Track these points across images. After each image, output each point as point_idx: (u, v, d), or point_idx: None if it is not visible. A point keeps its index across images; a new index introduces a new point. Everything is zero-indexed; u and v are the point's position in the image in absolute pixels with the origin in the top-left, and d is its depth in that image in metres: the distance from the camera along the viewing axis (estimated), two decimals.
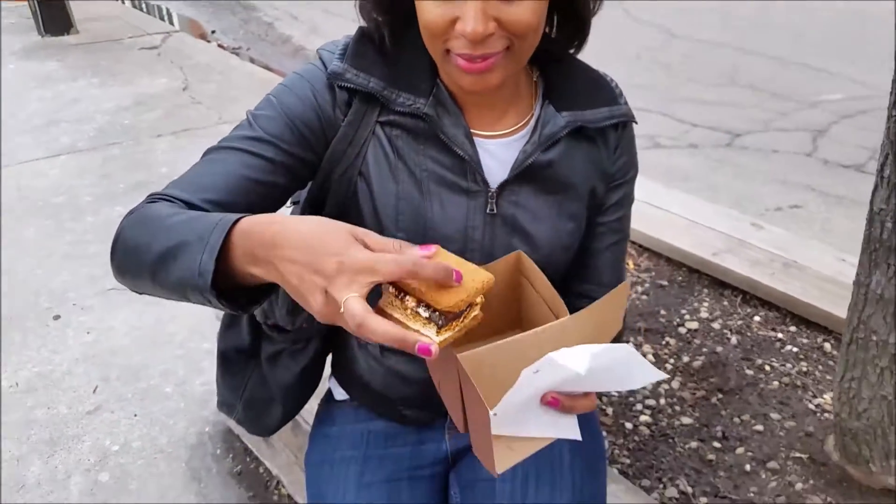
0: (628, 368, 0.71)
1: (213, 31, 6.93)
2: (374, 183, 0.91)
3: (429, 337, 0.64)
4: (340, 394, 1.17)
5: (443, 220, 0.91)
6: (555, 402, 0.73)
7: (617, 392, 1.93)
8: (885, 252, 1.37)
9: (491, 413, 0.67)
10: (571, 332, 0.72)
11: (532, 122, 0.94)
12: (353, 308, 0.61)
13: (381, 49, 0.90)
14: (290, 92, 0.90)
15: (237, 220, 0.71)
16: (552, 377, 0.69)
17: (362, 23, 0.91)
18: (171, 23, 7.33)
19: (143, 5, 8.18)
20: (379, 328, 0.61)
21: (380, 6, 0.88)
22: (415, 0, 0.81)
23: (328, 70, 0.88)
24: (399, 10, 0.87)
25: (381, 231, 0.89)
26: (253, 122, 0.88)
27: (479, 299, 0.68)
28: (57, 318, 2.53)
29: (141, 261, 0.78)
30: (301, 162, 0.89)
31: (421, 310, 0.65)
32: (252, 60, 5.88)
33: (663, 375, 0.75)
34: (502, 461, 0.73)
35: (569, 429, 0.76)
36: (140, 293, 0.85)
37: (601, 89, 0.97)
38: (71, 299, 2.63)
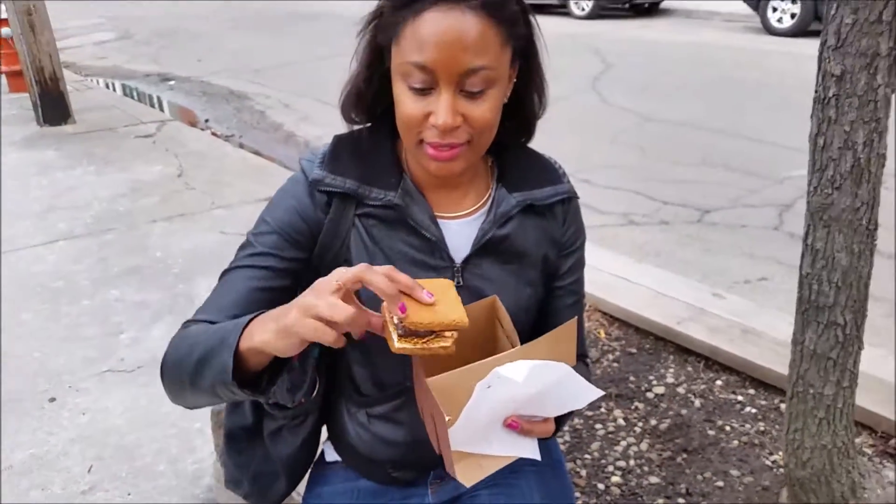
0: (568, 387, 0.84)
1: (206, 120, 7.14)
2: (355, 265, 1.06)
3: (390, 337, 0.80)
4: (332, 455, 1.26)
5: None
6: (514, 425, 0.87)
7: (568, 427, 2.02)
8: (814, 311, 1.52)
9: (446, 417, 0.79)
10: (523, 357, 0.83)
11: (488, 203, 1.08)
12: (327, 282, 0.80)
13: (353, 152, 1.06)
14: (278, 208, 1.06)
15: (251, 319, 0.88)
16: (501, 391, 0.80)
17: (342, 127, 1.08)
18: (163, 110, 7.60)
19: (135, 94, 8.45)
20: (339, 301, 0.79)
21: (359, 107, 1.05)
22: (394, 96, 0.96)
23: (310, 178, 1.04)
24: (374, 112, 1.05)
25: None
26: (253, 241, 1.05)
27: (449, 334, 0.80)
28: (52, 400, 2.59)
29: (182, 374, 0.95)
30: (298, 262, 1.05)
31: (394, 318, 0.81)
32: (241, 146, 6.08)
33: (600, 393, 0.87)
34: (472, 475, 0.86)
35: (529, 449, 0.89)
36: (191, 407, 1.04)
37: (546, 171, 1.12)
38: (67, 381, 2.69)
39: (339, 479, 1.23)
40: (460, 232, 1.07)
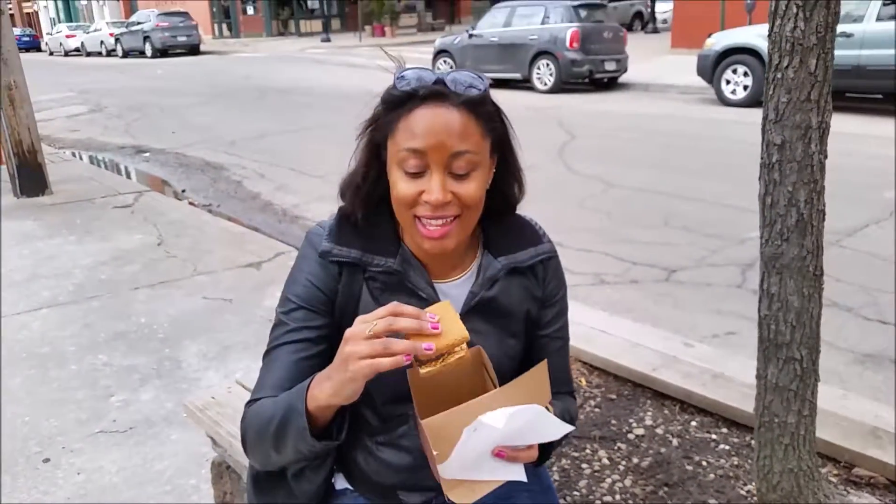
0: (542, 424, 0.98)
1: (183, 190, 7.25)
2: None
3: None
4: (342, 484, 1.36)
5: None
6: (501, 454, 1.01)
7: (556, 468, 2.14)
8: (773, 349, 1.70)
9: (434, 453, 0.95)
10: (503, 398, 0.97)
11: (475, 267, 1.25)
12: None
13: (356, 225, 1.22)
14: (297, 284, 1.21)
15: (308, 384, 1.05)
16: (484, 433, 0.95)
17: (340, 203, 1.25)
18: (130, 178, 7.68)
19: (107, 165, 8.53)
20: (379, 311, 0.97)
21: (358, 199, 1.21)
22: (391, 182, 1.12)
23: (319, 251, 1.20)
24: (370, 200, 1.21)
25: None
26: (285, 320, 1.20)
27: (460, 348, 0.96)
28: (46, 461, 2.61)
29: (266, 446, 1.11)
30: (327, 327, 1.20)
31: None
32: (211, 211, 6.18)
33: (570, 427, 1.02)
34: (466, 497, 1.01)
35: (516, 473, 1.03)
36: (280, 467, 1.21)
37: (526, 233, 1.28)
38: (60, 443, 2.72)
39: None
40: (452, 293, 1.23)
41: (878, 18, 9.03)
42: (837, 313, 3.67)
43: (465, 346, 0.97)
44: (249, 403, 1.17)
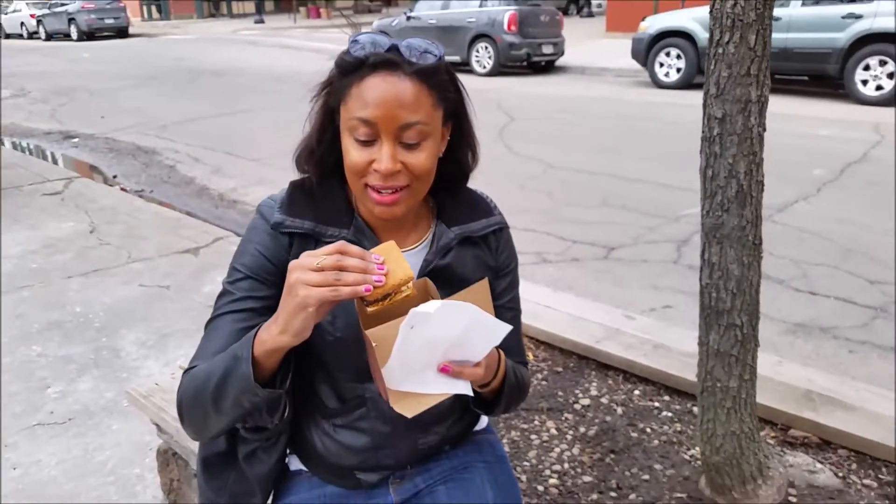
0: (481, 326, 0.99)
1: (114, 176, 7.03)
2: None
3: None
4: (296, 465, 1.36)
5: None
6: (446, 368, 1.02)
7: (506, 440, 2.19)
8: (715, 316, 1.76)
9: (373, 344, 0.95)
10: None
11: (430, 237, 1.25)
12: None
13: (309, 196, 1.21)
14: (245, 254, 1.19)
15: (254, 333, 1.02)
16: (422, 330, 0.95)
17: (294, 177, 1.24)
18: (63, 166, 7.42)
19: (33, 151, 8.21)
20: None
21: (311, 162, 1.21)
22: (343, 148, 1.11)
23: (272, 222, 1.18)
24: (324, 165, 1.20)
25: (320, 331, 1.17)
26: (230, 289, 1.18)
27: (404, 287, 0.97)
28: None
29: (204, 403, 1.07)
30: (272, 298, 1.16)
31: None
32: (143, 197, 6.03)
33: (509, 327, 1.01)
34: (412, 409, 1.01)
35: (461, 387, 1.04)
36: (213, 435, 1.18)
37: (479, 206, 1.30)
38: None
39: (306, 488, 1.33)
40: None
41: (804, 3, 9.38)
42: (770, 285, 3.80)
43: (410, 284, 0.97)
44: (187, 371, 1.14)
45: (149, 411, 2.06)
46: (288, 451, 1.36)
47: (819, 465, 1.87)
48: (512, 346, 1.34)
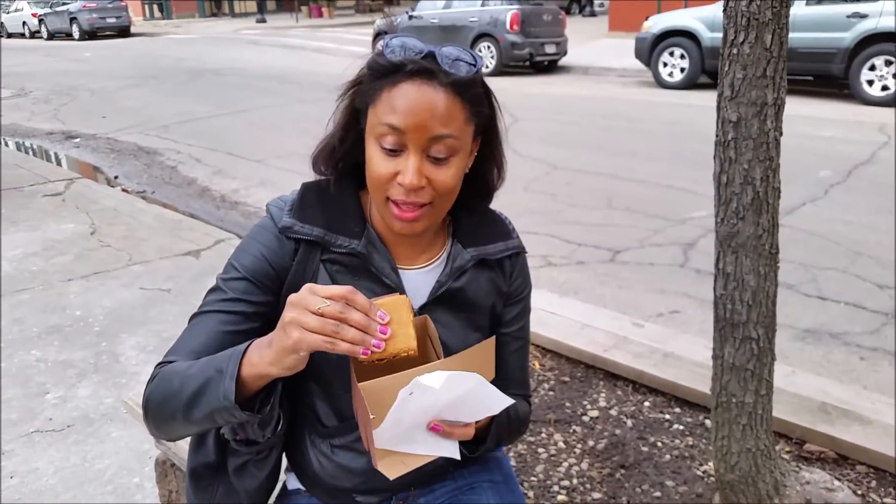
0: (481, 395, 0.94)
1: (115, 177, 6.99)
2: None
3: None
4: (294, 484, 1.31)
5: None
6: (436, 428, 0.97)
7: (513, 453, 2.14)
8: (730, 328, 1.70)
9: (370, 416, 0.89)
10: (444, 368, 0.92)
11: (444, 256, 1.18)
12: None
13: (321, 200, 1.15)
14: (246, 253, 1.13)
15: (246, 348, 0.96)
16: (421, 398, 0.90)
17: (297, 179, 1.18)
18: (65, 167, 7.38)
19: (34, 152, 8.17)
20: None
21: (329, 162, 1.15)
22: (367, 155, 1.05)
23: (280, 225, 1.12)
24: (343, 166, 1.15)
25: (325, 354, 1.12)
26: (223, 287, 1.11)
27: (406, 353, 0.91)
28: None
29: (173, 408, 1.00)
30: (266, 305, 1.12)
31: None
32: (145, 198, 5.99)
33: (510, 401, 0.97)
34: (395, 470, 0.96)
35: (450, 450, 0.99)
36: (175, 438, 1.10)
37: (497, 227, 1.23)
38: None
39: None
40: (418, 281, 1.17)
41: (808, 2, 9.31)
42: (779, 290, 3.73)
43: (410, 353, 0.91)
44: (161, 365, 1.07)
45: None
46: (286, 468, 1.31)
47: (837, 483, 1.82)
48: (517, 377, 1.30)
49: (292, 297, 0.90)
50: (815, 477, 1.85)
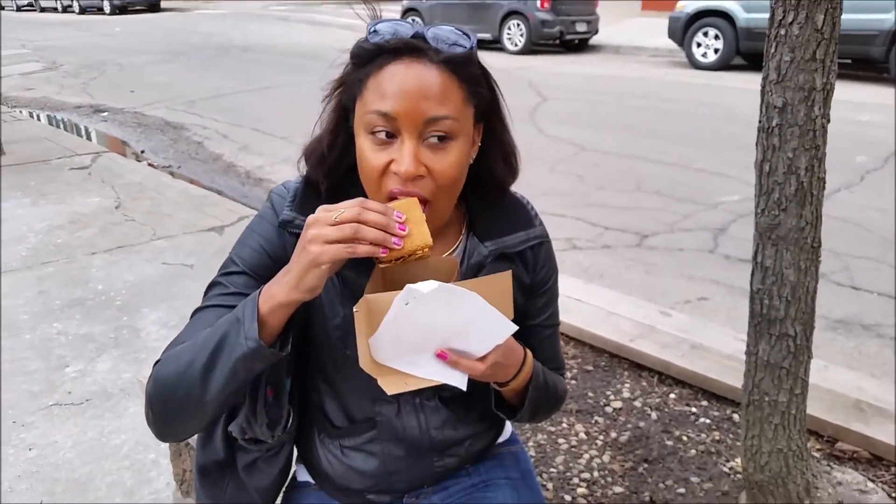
0: (483, 319, 0.90)
1: (142, 151, 7.01)
2: (326, 306, 1.06)
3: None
4: (304, 476, 1.27)
5: None
6: (443, 355, 0.92)
7: (533, 443, 2.08)
8: (766, 324, 1.62)
9: (367, 335, 0.88)
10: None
11: (460, 251, 1.09)
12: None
13: (321, 196, 1.07)
14: (246, 247, 1.07)
15: (259, 292, 0.91)
16: (418, 308, 0.86)
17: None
18: (90, 140, 7.41)
19: (63, 125, 8.23)
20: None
21: (322, 169, 1.06)
22: (358, 152, 0.97)
23: (280, 219, 1.05)
24: (336, 173, 1.06)
25: (331, 347, 1.06)
26: (224, 282, 1.05)
27: (420, 253, 0.87)
28: None
29: (188, 384, 0.93)
30: None
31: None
32: (173, 174, 5.99)
33: (514, 327, 0.92)
34: (396, 387, 0.93)
35: (456, 379, 0.94)
36: (181, 435, 1.03)
37: (517, 215, 1.13)
38: (10, 416, 2.60)
39: (313, 500, 1.24)
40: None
41: None
42: None
43: (426, 250, 0.88)
44: (161, 357, 1.01)
45: None
46: (295, 460, 1.27)
47: (871, 485, 1.74)
48: (550, 357, 1.22)
49: (310, 218, 0.86)
50: (847, 478, 1.78)
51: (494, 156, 1.09)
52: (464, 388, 0.95)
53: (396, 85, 0.92)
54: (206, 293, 1.08)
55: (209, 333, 0.93)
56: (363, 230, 0.83)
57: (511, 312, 0.94)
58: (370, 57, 0.95)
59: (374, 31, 0.96)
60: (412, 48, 0.94)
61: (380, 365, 0.92)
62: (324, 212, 0.86)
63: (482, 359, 0.94)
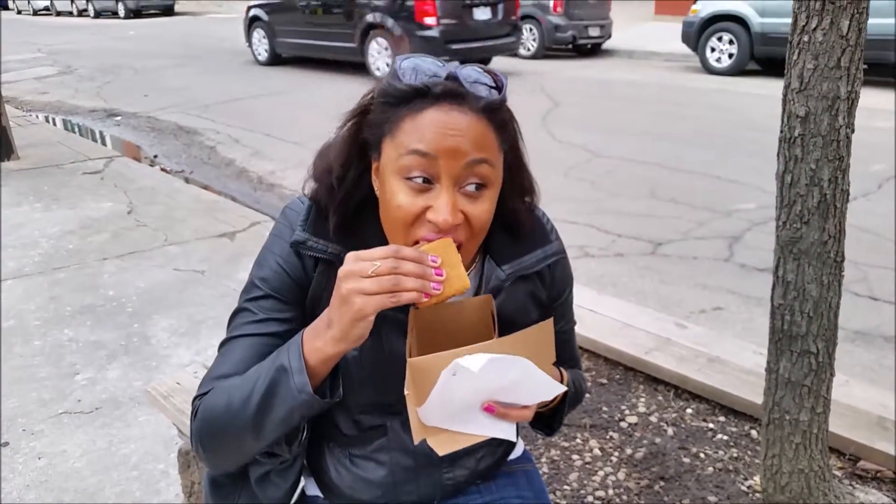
0: (530, 380, 0.88)
1: (155, 156, 7.01)
2: None
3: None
4: (313, 490, 1.25)
5: (393, 359, 1.02)
6: (490, 409, 0.90)
7: (546, 459, 2.04)
8: (787, 341, 1.58)
9: (416, 403, 0.87)
10: (498, 348, 0.86)
11: (476, 276, 1.07)
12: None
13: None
14: (265, 268, 1.05)
15: (301, 339, 0.91)
16: (463, 378, 0.84)
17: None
18: (105, 145, 7.43)
19: (76, 129, 8.27)
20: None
21: (330, 198, 1.02)
22: (385, 194, 0.94)
23: (292, 240, 1.03)
24: (347, 206, 1.02)
25: (347, 370, 1.02)
26: (251, 307, 1.04)
27: (461, 292, 0.88)
28: (6, 444, 2.49)
29: (240, 427, 0.95)
30: (294, 321, 1.04)
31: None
32: (188, 180, 6.00)
33: (563, 388, 0.92)
34: (446, 447, 0.92)
35: (504, 431, 0.93)
36: (235, 466, 1.05)
37: (534, 231, 1.11)
38: (20, 425, 2.59)
39: None
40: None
41: None
42: None
43: (465, 291, 0.88)
44: (199, 397, 1.01)
45: (169, 413, 1.96)
46: (304, 474, 1.25)
47: None
48: (567, 358, 1.23)
49: (342, 271, 0.85)
50: (870, 499, 1.73)
51: (512, 193, 1.06)
52: (513, 439, 0.95)
53: (439, 126, 0.90)
54: (231, 320, 1.06)
55: (251, 381, 0.94)
56: (402, 281, 0.83)
57: (553, 355, 0.95)
58: (406, 98, 0.92)
59: (403, 69, 0.94)
60: (454, 93, 0.91)
61: (429, 427, 0.92)
62: (355, 261, 0.84)
63: (526, 406, 0.93)
